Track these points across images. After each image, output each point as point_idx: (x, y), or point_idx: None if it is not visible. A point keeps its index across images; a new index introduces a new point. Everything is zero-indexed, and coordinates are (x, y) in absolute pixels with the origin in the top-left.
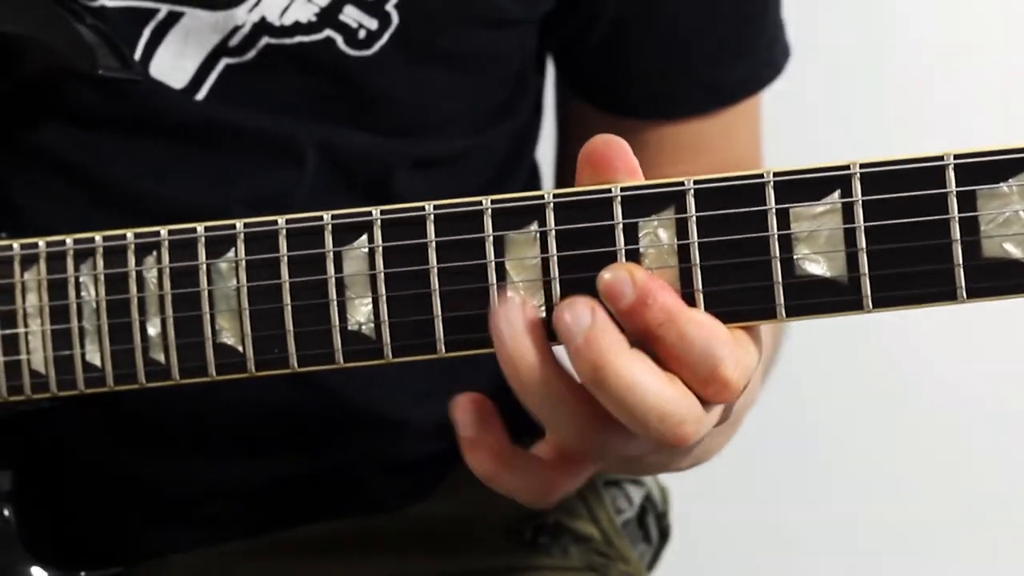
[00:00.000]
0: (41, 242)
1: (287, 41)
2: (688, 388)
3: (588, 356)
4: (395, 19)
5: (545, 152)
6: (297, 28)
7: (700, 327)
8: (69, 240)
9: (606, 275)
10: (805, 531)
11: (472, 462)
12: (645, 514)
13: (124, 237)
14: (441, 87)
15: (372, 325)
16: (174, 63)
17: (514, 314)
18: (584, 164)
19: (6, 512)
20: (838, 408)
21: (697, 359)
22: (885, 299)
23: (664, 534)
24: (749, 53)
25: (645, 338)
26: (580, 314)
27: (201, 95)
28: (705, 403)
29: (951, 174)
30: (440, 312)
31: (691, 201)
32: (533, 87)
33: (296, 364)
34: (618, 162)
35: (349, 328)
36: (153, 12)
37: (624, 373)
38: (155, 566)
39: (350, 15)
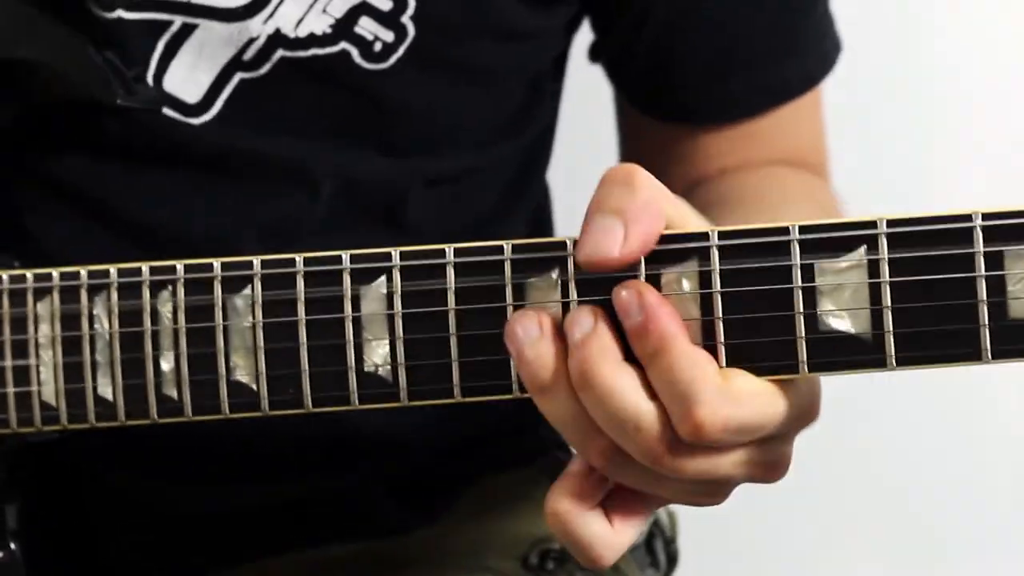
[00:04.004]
0: (55, 273)
1: (302, 54)
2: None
3: (577, 358)
4: (411, 31)
5: (555, 176)
6: (312, 40)
7: (689, 362)
8: (83, 272)
9: (622, 292)
10: (817, 558)
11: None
12: (653, 539)
13: (139, 271)
14: (455, 100)
15: (389, 367)
16: (188, 76)
17: (529, 320)
18: None
19: (12, 546)
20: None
21: (676, 394)
22: (909, 358)
23: (672, 559)
24: (799, 50)
25: (644, 361)
26: (583, 321)
27: (214, 111)
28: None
29: (979, 233)
30: (458, 356)
31: (715, 254)
32: (546, 106)
33: (311, 405)
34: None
35: (365, 369)
36: (167, 24)
37: (607, 378)
38: None
39: (366, 27)
